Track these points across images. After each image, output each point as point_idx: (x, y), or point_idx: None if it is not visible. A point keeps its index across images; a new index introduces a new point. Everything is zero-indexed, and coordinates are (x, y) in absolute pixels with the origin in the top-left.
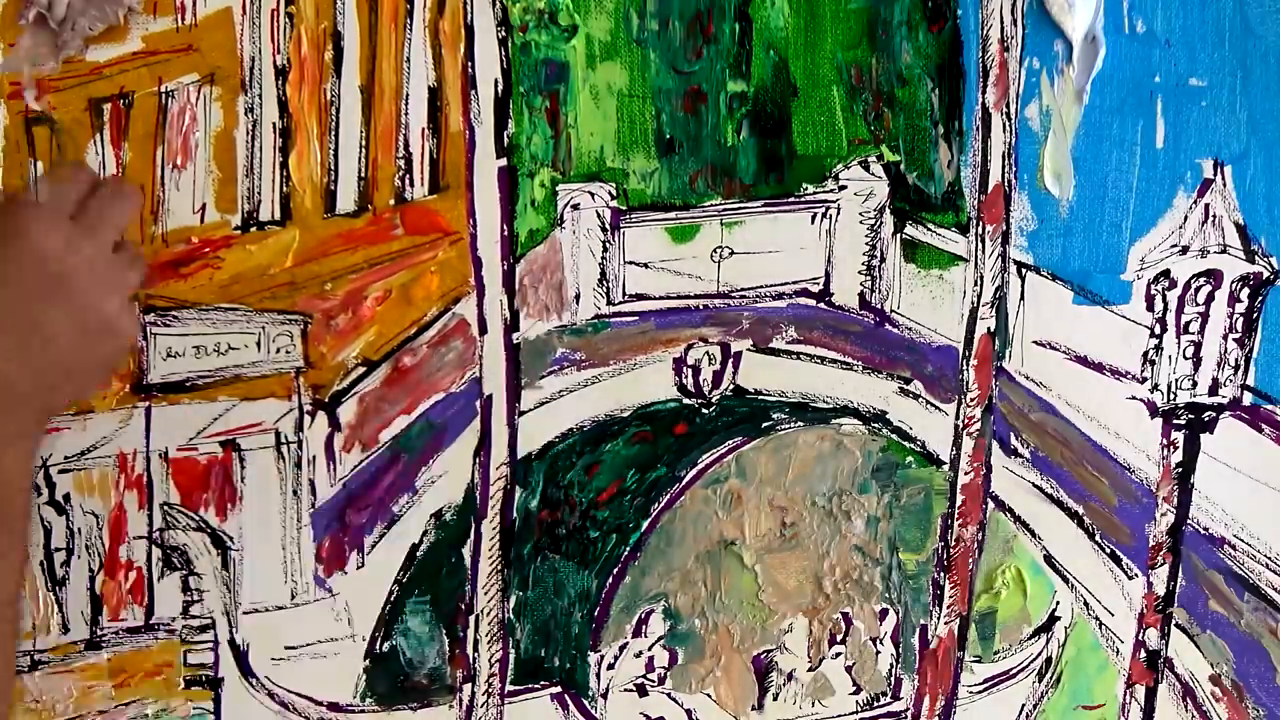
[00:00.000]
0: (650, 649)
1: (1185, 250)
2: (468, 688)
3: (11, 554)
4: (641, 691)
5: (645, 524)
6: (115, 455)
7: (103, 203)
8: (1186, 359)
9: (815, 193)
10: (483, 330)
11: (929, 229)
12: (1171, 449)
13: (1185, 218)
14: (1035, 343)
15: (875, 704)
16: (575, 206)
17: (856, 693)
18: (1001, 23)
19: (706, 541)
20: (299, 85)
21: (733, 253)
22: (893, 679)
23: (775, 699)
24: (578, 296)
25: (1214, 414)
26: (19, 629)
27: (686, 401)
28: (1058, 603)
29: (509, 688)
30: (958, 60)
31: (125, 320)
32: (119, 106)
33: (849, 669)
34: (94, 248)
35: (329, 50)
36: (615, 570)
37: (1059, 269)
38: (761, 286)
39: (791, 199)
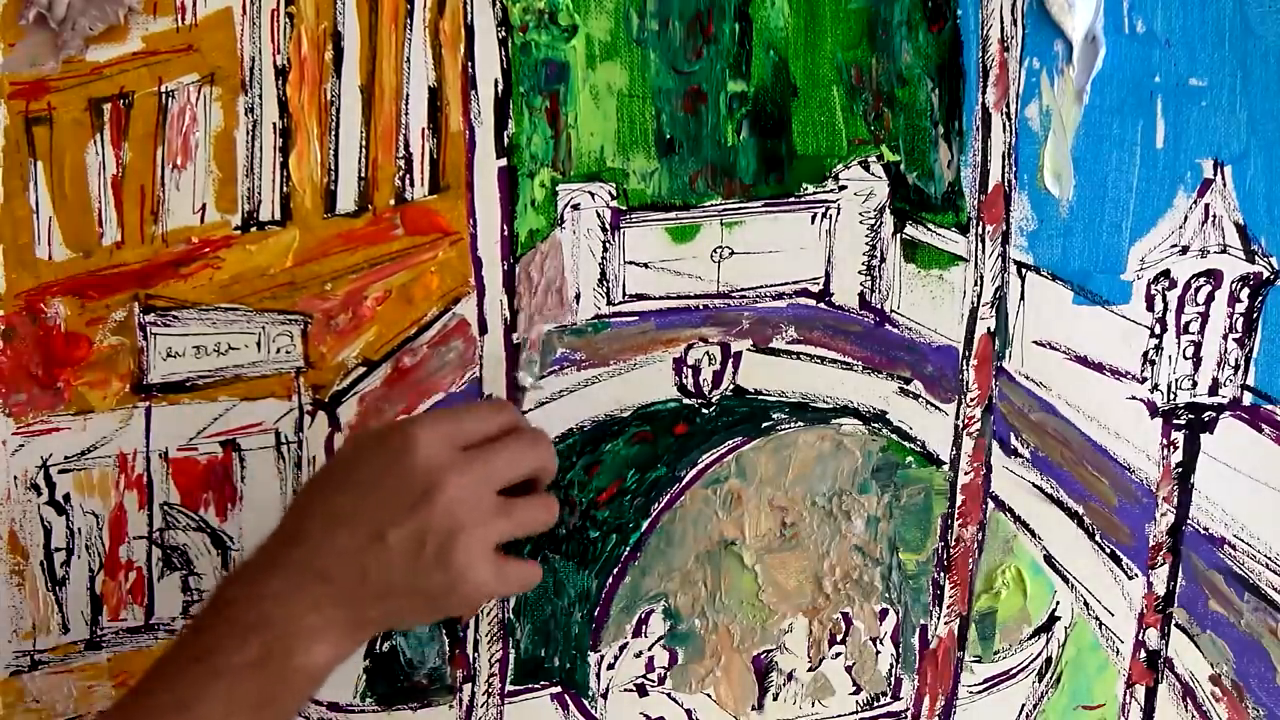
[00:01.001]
0: (650, 649)
1: (1185, 250)
2: (468, 688)
3: None
4: (641, 691)
5: (645, 524)
6: (115, 455)
7: (507, 445)
8: (1186, 359)
9: (815, 193)
10: (483, 330)
11: (929, 229)
12: (1171, 449)
13: (1185, 218)
14: (1035, 343)
15: (875, 704)
16: (575, 206)
17: (856, 693)
18: (1001, 23)
19: (706, 541)
20: (299, 85)
21: (733, 253)
22: (893, 679)
23: (775, 699)
24: (578, 296)
25: (1214, 414)
26: None
27: (686, 401)
28: (1058, 603)
29: (509, 688)
30: (958, 60)
31: (477, 568)
32: (119, 106)
33: (849, 669)
34: (474, 484)
35: (329, 50)
36: (615, 570)
37: (1059, 269)
38: (761, 286)
39: (791, 199)
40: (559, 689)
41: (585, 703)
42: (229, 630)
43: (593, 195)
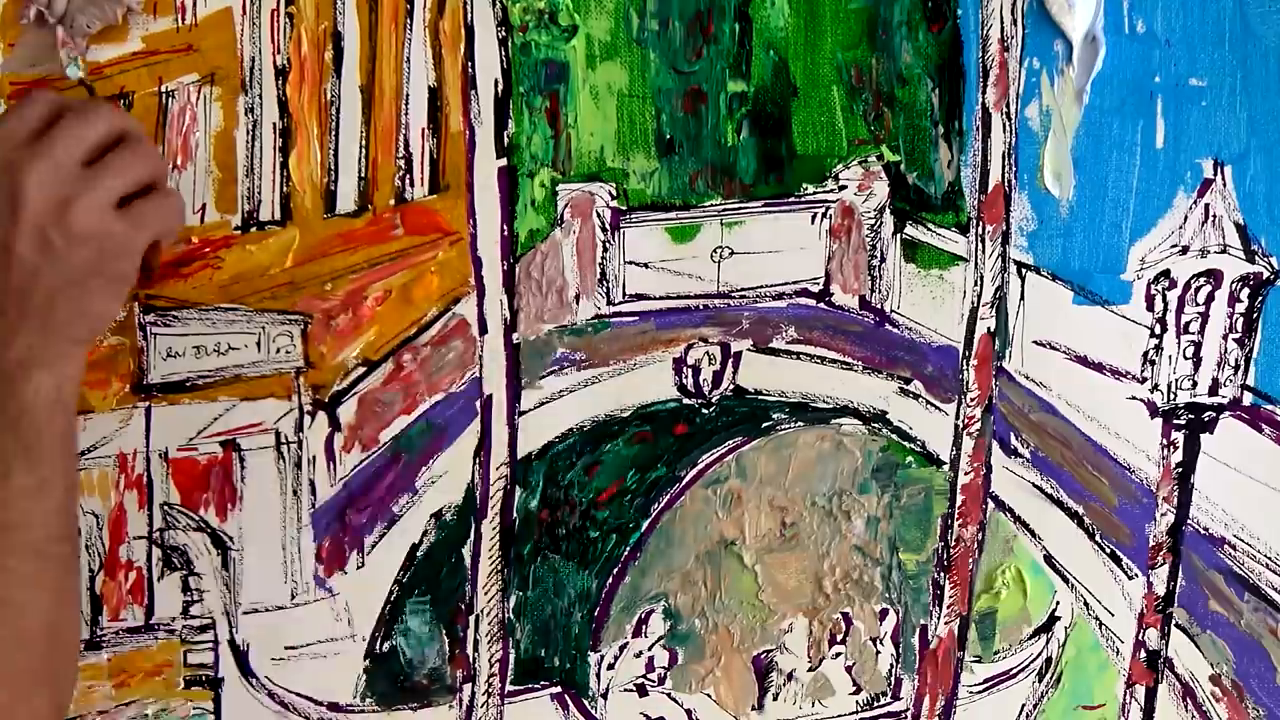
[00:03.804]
0: (650, 649)
1: (1185, 250)
2: (468, 688)
3: (50, 491)
4: (641, 691)
5: (645, 524)
6: (115, 455)
7: (73, 120)
8: (1186, 359)
9: (815, 193)
10: (483, 330)
11: (929, 229)
12: (1171, 449)
13: (1185, 218)
14: (1035, 343)
15: (875, 704)
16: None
17: (856, 693)
18: (1001, 23)
19: (706, 541)
20: (299, 85)
21: (733, 253)
22: (893, 679)
23: (775, 699)
24: (578, 297)
25: (1214, 414)
26: (77, 570)
27: (686, 401)
28: (1058, 603)
29: (509, 688)
30: (958, 60)
31: (107, 225)
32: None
33: (849, 669)
34: (54, 160)
35: (329, 50)
36: (615, 570)
37: (1059, 269)
38: (761, 286)
39: (791, 199)
40: (559, 689)
41: (585, 703)
42: None
43: (593, 195)
